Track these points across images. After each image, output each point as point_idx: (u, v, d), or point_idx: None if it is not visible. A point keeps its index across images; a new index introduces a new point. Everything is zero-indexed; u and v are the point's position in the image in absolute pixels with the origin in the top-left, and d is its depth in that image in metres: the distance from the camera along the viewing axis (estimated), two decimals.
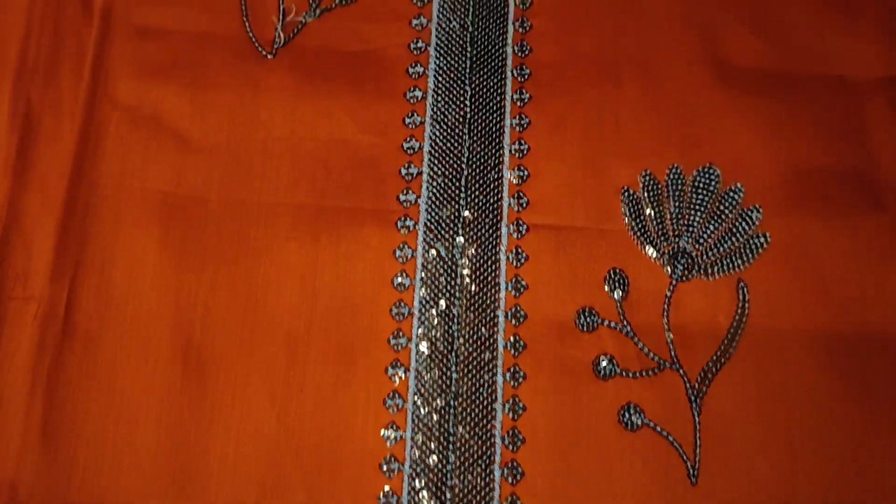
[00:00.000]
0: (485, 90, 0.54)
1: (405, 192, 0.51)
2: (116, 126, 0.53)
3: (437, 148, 0.52)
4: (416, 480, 0.46)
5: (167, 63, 0.54)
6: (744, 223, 0.50)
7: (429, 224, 0.51)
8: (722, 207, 0.50)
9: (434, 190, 0.51)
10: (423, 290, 0.49)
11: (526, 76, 0.54)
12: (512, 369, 0.48)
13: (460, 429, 0.47)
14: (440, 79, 0.54)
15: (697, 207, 0.50)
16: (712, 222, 0.50)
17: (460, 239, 0.50)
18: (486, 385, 0.48)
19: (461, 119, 0.53)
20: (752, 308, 0.48)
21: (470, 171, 0.52)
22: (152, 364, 0.48)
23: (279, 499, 0.46)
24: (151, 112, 0.53)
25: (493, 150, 0.52)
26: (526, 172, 0.52)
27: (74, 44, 0.54)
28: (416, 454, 0.47)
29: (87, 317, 0.49)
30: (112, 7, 0.55)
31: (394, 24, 0.55)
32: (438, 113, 0.53)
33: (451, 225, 0.51)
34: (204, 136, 0.53)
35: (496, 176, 0.52)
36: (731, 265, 0.49)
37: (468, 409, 0.47)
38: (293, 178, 0.52)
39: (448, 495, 0.46)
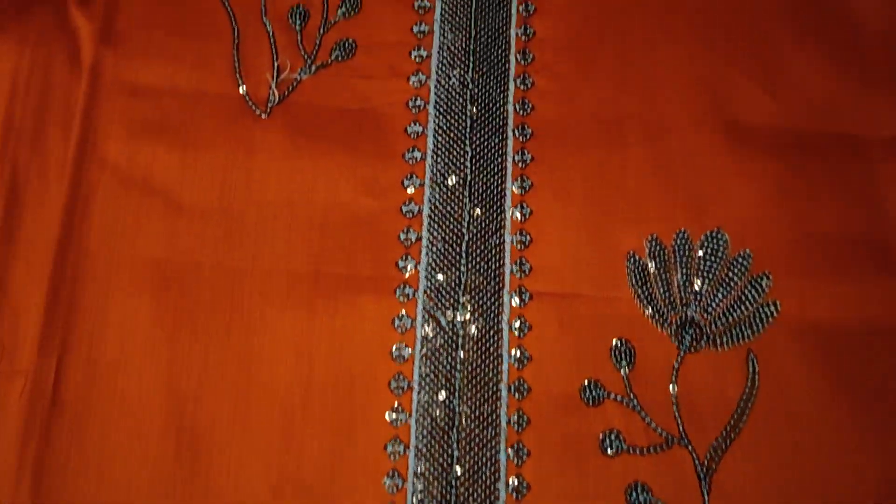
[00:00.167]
0: (485, 151, 0.52)
1: (404, 258, 0.50)
2: (105, 189, 0.51)
3: (436, 212, 0.51)
4: None
5: (158, 122, 0.52)
6: (753, 291, 0.48)
7: (428, 292, 0.49)
8: (731, 274, 0.49)
9: (434, 256, 0.50)
10: (423, 362, 0.48)
11: (528, 136, 0.52)
12: (516, 446, 0.46)
13: None
14: (440, 139, 0.52)
15: (705, 275, 0.49)
16: (721, 290, 0.48)
17: (461, 308, 0.49)
18: (489, 463, 0.46)
19: (461, 181, 0.51)
20: (762, 380, 0.47)
21: (471, 236, 0.50)
22: (144, 440, 0.46)
23: None
24: (142, 174, 0.52)
25: (495, 214, 0.51)
26: (528, 237, 0.50)
27: (62, 103, 0.53)
28: None
29: (76, 392, 0.47)
30: (101, 64, 0.53)
31: (391, 80, 0.54)
32: (438, 175, 0.52)
33: (452, 293, 0.49)
34: (196, 199, 0.51)
35: (498, 241, 0.50)
36: (740, 335, 0.48)
37: (470, 490, 0.46)
38: (288, 243, 0.50)
39: None
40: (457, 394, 0.47)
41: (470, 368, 0.48)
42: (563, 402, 0.47)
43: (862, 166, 0.51)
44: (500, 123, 0.53)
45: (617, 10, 0.54)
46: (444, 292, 0.49)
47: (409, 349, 0.48)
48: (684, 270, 0.49)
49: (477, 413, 0.47)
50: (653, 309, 0.48)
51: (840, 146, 0.51)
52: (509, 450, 0.46)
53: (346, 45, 0.54)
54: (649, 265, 0.49)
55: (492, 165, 0.52)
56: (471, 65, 0.54)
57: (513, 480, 0.46)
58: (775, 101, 0.52)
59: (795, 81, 0.52)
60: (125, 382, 0.47)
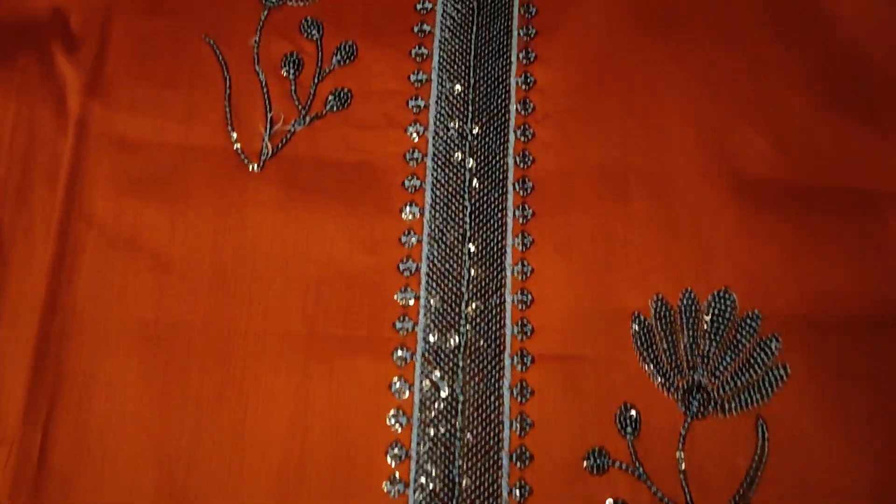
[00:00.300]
0: (485, 205, 0.50)
1: (401, 318, 0.48)
2: (93, 247, 0.50)
3: (434, 270, 0.49)
4: None
5: (147, 177, 0.51)
6: (762, 354, 0.47)
7: (426, 356, 0.48)
8: (739, 336, 0.47)
9: (432, 317, 0.48)
10: (421, 429, 0.46)
11: (529, 190, 0.51)
12: None
13: None
14: (438, 193, 0.51)
15: (713, 337, 0.47)
16: (729, 353, 0.47)
17: (460, 372, 0.47)
18: None
19: (460, 238, 0.50)
20: (772, 447, 0.45)
21: (470, 295, 0.49)
22: None
23: None
24: (130, 231, 0.50)
25: (495, 273, 0.49)
26: (530, 297, 0.48)
27: (48, 158, 0.51)
28: None
29: (63, 460, 0.46)
30: (88, 117, 0.52)
31: (389, 131, 0.52)
32: (436, 231, 0.50)
33: (451, 357, 0.48)
34: (186, 257, 0.49)
35: (498, 301, 0.49)
36: (749, 400, 0.46)
37: None
38: (282, 303, 0.49)
39: None
40: (456, 463, 0.46)
41: (470, 436, 0.46)
42: (567, 470, 0.45)
43: (872, 220, 0.49)
44: (500, 177, 0.51)
45: (620, 58, 0.53)
46: (442, 356, 0.48)
47: (407, 417, 0.46)
48: (691, 332, 0.47)
49: (477, 483, 0.45)
50: (659, 372, 0.47)
51: (849, 199, 0.50)
52: None
53: (342, 94, 0.53)
54: (655, 326, 0.47)
55: (491, 221, 0.50)
56: (469, 115, 0.52)
57: None
58: (783, 153, 0.50)
59: (803, 132, 0.51)
60: (114, 447, 0.46)
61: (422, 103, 0.53)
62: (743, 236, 0.49)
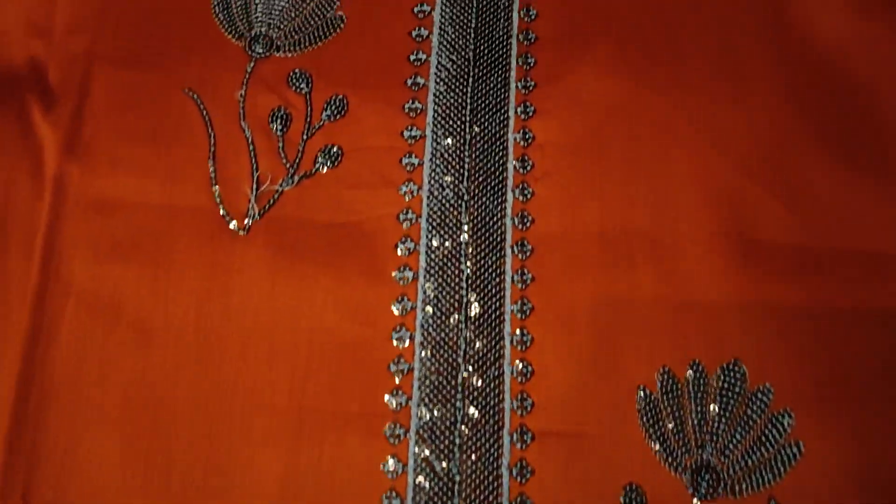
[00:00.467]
0: (482, 270, 0.48)
1: (394, 392, 0.46)
2: (72, 315, 0.47)
3: (429, 339, 0.47)
4: None
5: (128, 241, 0.48)
6: (774, 430, 0.44)
7: (420, 433, 0.45)
8: (749, 412, 0.45)
9: (427, 391, 0.46)
10: None
11: (528, 253, 0.48)
12: None
13: None
14: (432, 257, 0.48)
15: (722, 412, 0.45)
16: (739, 430, 0.45)
17: (457, 450, 0.45)
18: None
19: (456, 305, 0.47)
20: None
21: (467, 367, 0.46)
22: None
23: None
24: (111, 299, 0.48)
25: (493, 343, 0.47)
26: (530, 369, 0.46)
27: (24, 221, 0.49)
28: None
29: None
30: (66, 178, 0.49)
31: (381, 191, 0.50)
32: (431, 297, 0.48)
33: (447, 433, 0.45)
34: (169, 327, 0.47)
35: (497, 373, 0.46)
36: (761, 481, 0.44)
37: None
38: (269, 376, 0.46)
39: None
40: None
41: None
42: None
43: (888, 287, 0.47)
44: (498, 239, 0.49)
45: (623, 113, 0.50)
46: (438, 432, 0.45)
47: (401, 499, 0.44)
48: (699, 408, 0.45)
49: None
50: (666, 451, 0.44)
51: (866, 264, 0.47)
52: None
53: (332, 151, 0.50)
54: (662, 401, 0.45)
55: (489, 286, 0.48)
56: (466, 173, 0.50)
57: None
58: (796, 216, 0.48)
59: (818, 193, 0.48)
60: None
61: (416, 161, 0.50)
62: (754, 305, 0.47)
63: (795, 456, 0.44)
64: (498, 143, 0.50)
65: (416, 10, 0.53)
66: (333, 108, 0.51)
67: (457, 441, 0.45)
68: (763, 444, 0.44)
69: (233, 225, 0.49)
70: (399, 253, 0.48)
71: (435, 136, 0.51)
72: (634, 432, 0.45)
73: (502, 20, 0.53)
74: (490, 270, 0.48)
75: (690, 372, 0.46)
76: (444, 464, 0.45)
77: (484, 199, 0.49)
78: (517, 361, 0.46)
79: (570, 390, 0.46)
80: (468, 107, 0.51)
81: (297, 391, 0.46)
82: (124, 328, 0.47)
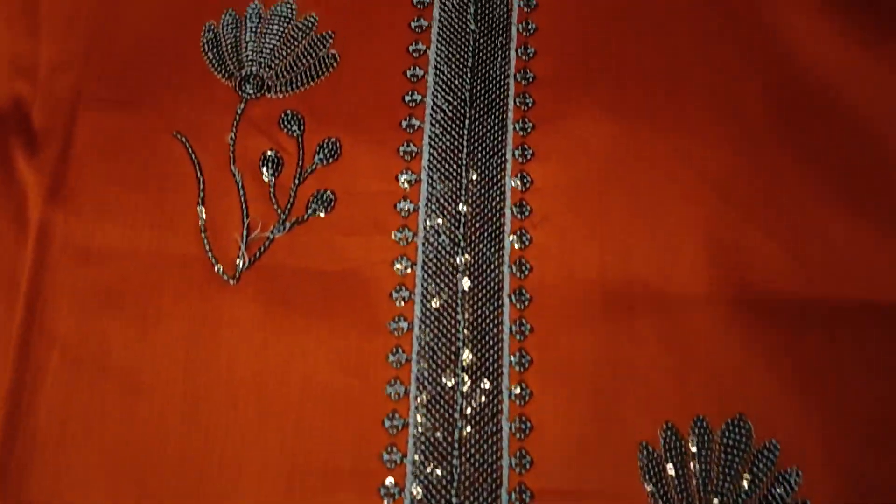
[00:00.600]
0: (480, 320, 0.47)
1: (389, 449, 0.44)
2: (56, 368, 0.46)
3: (424, 393, 0.45)
4: None
5: (114, 291, 0.47)
6: (781, 489, 0.43)
7: (415, 495, 0.44)
8: (755, 469, 0.43)
9: (422, 448, 0.44)
10: None
11: (526, 303, 0.47)
12: None
13: None
14: (428, 306, 0.47)
15: (728, 469, 0.43)
16: (745, 488, 0.43)
17: None
18: None
19: (452, 357, 0.46)
20: None
21: (464, 424, 0.45)
22: None
23: None
24: (96, 350, 0.46)
25: (491, 396, 0.45)
26: (528, 425, 0.45)
27: (7, 270, 0.47)
28: None
29: None
30: (50, 225, 0.48)
31: (375, 237, 0.48)
32: (426, 349, 0.46)
33: (444, 492, 0.44)
34: (157, 380, 0.46)
35: (494, 429, 0.45)
36: None
37: None
38: (260, 432, 0.45)
39: None
40: None
41: None
42: None
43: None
44: (496, 287, 0.47)
45: (623, 157, 0.49)
46: (434, 491, 0.44)
47: None
48: (704, 465, 0.44)
49: None
50: None
51: (872, 315, 0.46)
52: None
53: (325, 196, 0.49)
54: (665, 458, 0.44)
55: (486, 338, 0.46)
56: (462, 220, 0.49)
57: None
58: (802, 265, 0.47)
59: (822, 241, 0.47)
60: None
61: (410, 206, 0.49)
62: (758, 357, 0.45)
63: None
64: (495, 187, 0.49)
65: (410, 48, 0.52)
66: (326, 151, 0.50)
67: (454, 501, 0.44)
68: (769, 503, 0.43)
69: (222, 273, 0.47)
70: (394, 302, 0.47)
71: (430, 181, 0.49)
72: (637, 490, 0.43)
73: (499, 59, 0.52)
74: (487, 321, 0.47)
75: (694, 428, 0.44)
76: None
77: (481, 245, 0.48)
78: (516, 417, 0.45)
79: (570, 447, 0.44)
80: (464, 150, 0.50)
81: (289, 446, 0.44)
82: (111, 379, 0.46)
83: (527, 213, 0.49)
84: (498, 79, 0.51)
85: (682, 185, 0.48)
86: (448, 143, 0.50)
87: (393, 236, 0.48)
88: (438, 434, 0.45)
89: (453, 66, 0.52)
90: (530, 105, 0.51)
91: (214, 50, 0.52)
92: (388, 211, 0.49)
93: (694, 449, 0.44)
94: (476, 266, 0.48)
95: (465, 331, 0.46)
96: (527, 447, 0.44)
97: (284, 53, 0.52)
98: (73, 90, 0.51)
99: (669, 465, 0.44)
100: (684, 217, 0.48)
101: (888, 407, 0.44)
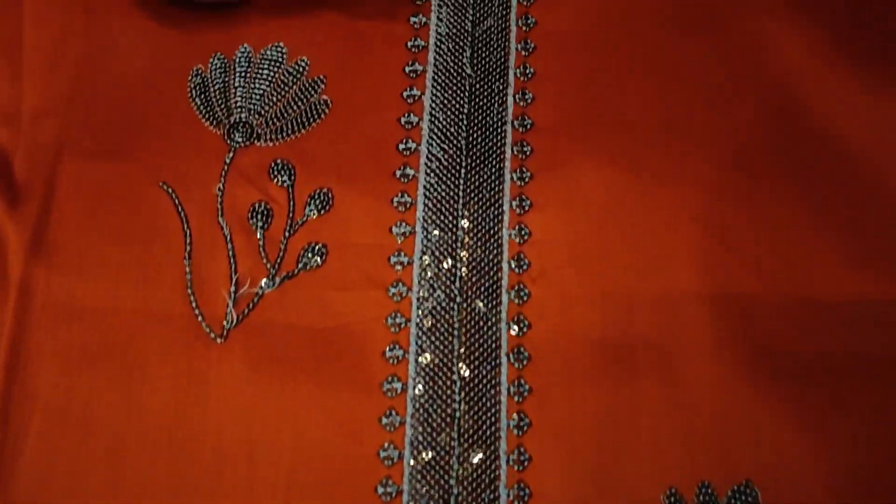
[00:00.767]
0: (477, 380, 0.45)
1: None
2: (38, 428, 0.44)
3: (420, 459, 0.44)
4: None
5: (98, 349, 0.45)
6: None
7: None
8: None
9: None
10: None
11: (524, 362, 0.45)
12: None
13: None
14: (422, 367, 0.45)
15: None
16: None
17: None
18: None
19: (448, 420, 0.44)
20: None
21: (460, 490, 0.43)
22: None
23: None
24: (80, 410, 0.45)
25: (488, 462, 0.44)
26: (527, 492, 0.43)
27: None
28: None
29: None
30: (31, 281, 0.46)
31: (368, 292, 0.47)
32: (422, 412, 0.44)
33: None
34: (142, 442, 0.44)
35: (492, 497, 0.43)
36: None
37: None
38: (248, 497, 0.43)
39: None
40: None
41: None
42: None
43: None
44: (493, 346, 0.46)
45: (624, 208, 0.47)
46: None
47: None
48: None
49: None
50: None
51: (883, 372, 0.44)
52: None
53: (316, 249, 0.47)
54: None
55: (483, 399, 0.45)
56: (458, 275, 0.47)
57: None
58: (813, 322, 0.45)
59: (836, 297, 0.45)
60: None
61: (405, 259, 0.47)
62: (765, 420, 0.43)
63: None
64: (492, 239, 0.47)
65: (405, 94, 0.50)
66: (317, 202, 0.48)
67: None
68: None
69: (210, 331, 0.46)
70: (387, 361, 0.45)
71: (425, 233, 0.48)
72: None
73: (496, 105, 0.50)
74: (485, 381, 0.45)
75: (699, 494, 0.43)
76: None
77: (478, 301, 0.46)
78: (514, 483, 0.43)
79: None
80: (460, 200, 0.48)
81: None
82: (95, 441, 0.44)
83: (525, 267, 0.47)
84: (495, 126, 0.50)
85: (685, 237, 0.47)
86: (443, 194, 0.48)
87: (387, 291, 0.47)
88: (434, 502, 0.43)
89: (449, 112, 0.50)
90: (528, 153, 0.49)
91: (202, 96, 0.50)
92: (381, 264, 0.47)
93: None
94: (472, 323, 0.46)
95: (461, 393, 0.45)
96: None
97: (275, 99, 0.50)
98: (56, 138, 0.49)
99: None
100: (688, 271, 0.46)
101: None
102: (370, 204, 0.48)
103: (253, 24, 0.52)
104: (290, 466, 0.43)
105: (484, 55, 0.51)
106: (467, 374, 0.45)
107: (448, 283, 0.47)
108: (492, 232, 0.48)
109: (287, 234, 0.48)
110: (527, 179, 0.49)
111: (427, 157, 0.49)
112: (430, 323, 0.46)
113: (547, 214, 0.48)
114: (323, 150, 0.49)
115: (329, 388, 0.45)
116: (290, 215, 0.48)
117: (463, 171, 0.49)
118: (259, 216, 0.48)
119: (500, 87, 0.51)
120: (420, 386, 0.45)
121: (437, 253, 0.47)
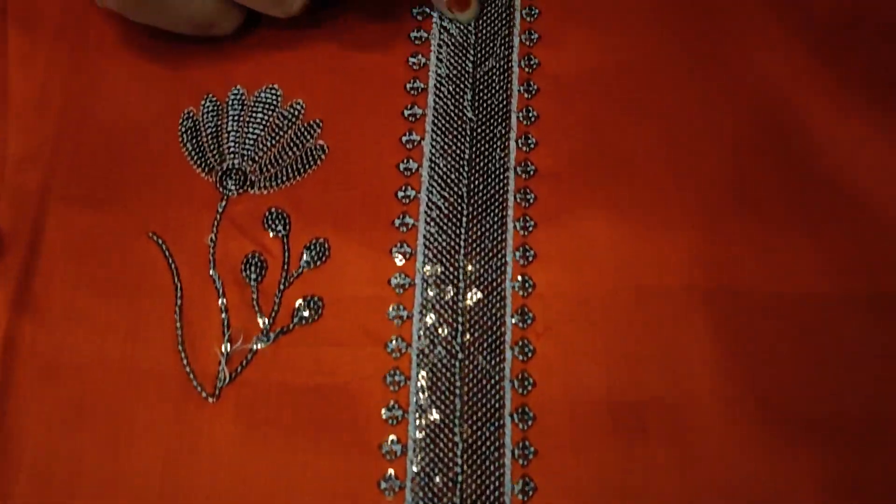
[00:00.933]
0: (479, 443, 0.43)
1: None
2: (23, 491, 0.43)
3: None
4: None
5: (85, 407, 0.44)
6: None
7: None
8: None
9: None
10: None
11: (528, 423, 0.43)
12: None
13: None
14: (422, 427, 0.43)
15: None
16: None
17: None
18: None
19: (450, 485, 0.43)
20: None
21: None
22: None
23: None
24: (67, 471, 0.43)
25: None
26: None
27: None
28: None
29: None
30: (16, 337, 0.45)
31: (366, 348, 0.45)
32: (422, 473, 0.43)
33: None
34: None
35: None
36: None
37: None
38: None
39: None
40: None
41: None
42: None
43: None
44: (497, 405, 0.44)
45: (633, 259, 0.46)
46: None
47: None
48: None
49: None
50: None
51: (891, 431, 0.43)
52: None
53: (312, 303, 0.46)
54: None
55: (487, 462, 0.43)
56: (459, 330, 0.45)
57: None
58: (831, 383, 0.43)
59: (854, 354, 0.43)
60: None
61: (404, 313, 0.45)
62: (778, 481, 0.42)
63: None
64: (495, 293, 0.46)
65: (404, 139, 0.49)
66: (313, 253, 0.46)
67: None
68: None
69: (201, 390, 0.44)
70: (386, 421, 0.44)
71: (425, 285, 0.46)
72: None
73: (498, 150, 0.48)
74: (488, 443, 0.43)
75: None
76: None
77: (480, 358, 0.45)
78: None
79: None
80: (462, 251, 0.46)
81: None
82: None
83: (529, 322, 0.45)
84: (497, 172, 0.48)
85: (697, 290, 0.45)
86: (444, 244, 0.47)
87: (385, 347, 0.45)
88: None
89: (449, 158, 0.48)
90: (532, 201, 0.47)
91: (193, 141, 0.48)
92: (380, 319, 0.45)
93: None
94: (475, 382, 0.44)
95: (463, 454, 0.43)
96: None
97: (269, 145, 0.49)
98: (42, 186, 0.47)
99: None
100: (700, 326, 0.44)
101: None
102: (368, 255, 0.46)
103: (246, 62, 0.51)
104: None
105: (485, 98, 0.49)
106: (469, 436, 0.43)
107: (450, 339, 0.45)
108: (495, 285, 0.46)
109: (282, 286, 0.46)
110: (530, 229, 0.47)
111: (427, 206, 0.47)
112: (429, 382, 0.44)
113: (551, 266, 0.46)
114: (319, 198, 0.47)
115: (325, 451, 0.43)
116: (285, 267, 0.46)
117: (464, 219, 0.47)
118: (252, 268, 0.46)
119: (503, 132, 0.49)
120: (419, 450, 0.43)
121: (438, 307, 0.45)
